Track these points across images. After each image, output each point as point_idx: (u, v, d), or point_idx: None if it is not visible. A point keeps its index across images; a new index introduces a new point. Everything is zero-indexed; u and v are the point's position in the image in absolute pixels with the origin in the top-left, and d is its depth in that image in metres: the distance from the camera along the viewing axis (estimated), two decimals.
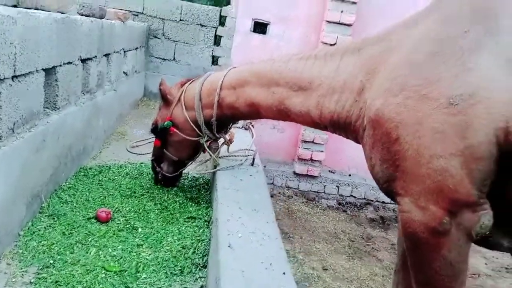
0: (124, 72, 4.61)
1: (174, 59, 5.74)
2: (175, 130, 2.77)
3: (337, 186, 6.03)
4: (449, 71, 1.62)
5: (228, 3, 5.43)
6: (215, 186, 2.56)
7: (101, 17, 3.60)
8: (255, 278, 1.56)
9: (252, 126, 3.55)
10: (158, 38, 5.68)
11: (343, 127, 2.09)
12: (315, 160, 5.74)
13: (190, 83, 2.81)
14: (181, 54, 5.70)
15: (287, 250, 4.47)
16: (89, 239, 2.27)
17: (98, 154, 3.69)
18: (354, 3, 5.18)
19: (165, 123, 2.78)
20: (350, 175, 6.08)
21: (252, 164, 2.84)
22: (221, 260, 1.65)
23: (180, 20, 5.69)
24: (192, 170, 3.24)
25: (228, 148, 2.96)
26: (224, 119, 2.70)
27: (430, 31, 1.76)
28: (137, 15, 5.60)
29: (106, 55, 3.80)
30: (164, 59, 5.71)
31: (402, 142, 1.69)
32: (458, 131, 1.56)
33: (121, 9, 4.92)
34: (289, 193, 5.99)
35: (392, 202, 6.83)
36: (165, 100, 2.86)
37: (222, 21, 5.56)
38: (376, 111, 1.80)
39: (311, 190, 6.01)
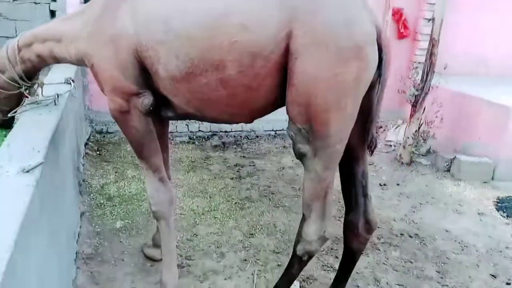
0: None
1: (16, 36, 6.39)
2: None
3: (186, 124, 7.24)
4: (110, 19, 2.81)
5: None
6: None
7: None
8: None
9: (73, 80, 4.51)
10: None
11: (84, 63, 3.23)
12: None
13: None
14: (22, 30, 6.34)
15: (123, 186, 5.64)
16: None
17: None
18: None
19: None
20: None
21: (55, 104, 3.87)
22: None
23: (14, 0, 6.34)
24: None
25: (42, 90, 3.91)
26: (30, 69, 3.67)
27: None
28: None
29: None
30: (7, 37, 6.34)
31: (93, 67, 2.88)
32: (114, 53, 2.77)
33: None
34: None
35: (233, 129, 8.18)
36: None
37: None
38: (82, 51, 2.97)
39: None
